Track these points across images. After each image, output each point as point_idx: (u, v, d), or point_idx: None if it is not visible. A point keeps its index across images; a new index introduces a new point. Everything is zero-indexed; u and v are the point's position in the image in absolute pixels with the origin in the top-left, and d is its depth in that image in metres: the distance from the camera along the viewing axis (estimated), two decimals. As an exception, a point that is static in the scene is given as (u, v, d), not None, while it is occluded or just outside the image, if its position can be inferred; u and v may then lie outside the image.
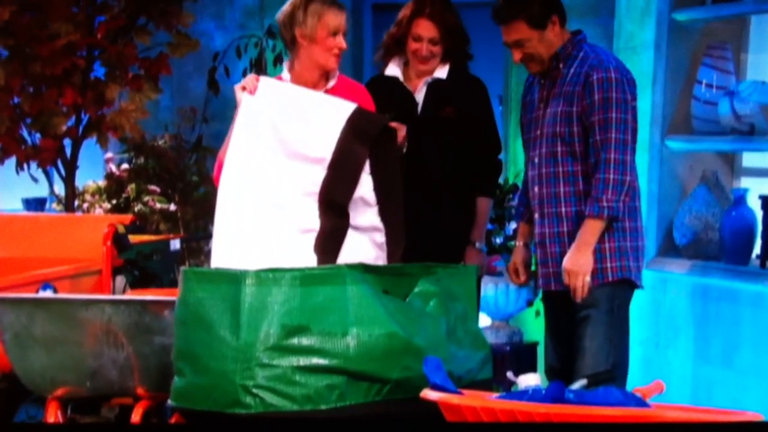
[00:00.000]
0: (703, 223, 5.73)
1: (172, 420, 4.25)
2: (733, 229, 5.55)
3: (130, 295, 5.07)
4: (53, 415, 4.41)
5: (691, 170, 5.99)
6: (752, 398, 5.34)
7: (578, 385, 3.64)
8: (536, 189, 4.57)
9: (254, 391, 3.82)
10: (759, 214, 5.44)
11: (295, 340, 3.86)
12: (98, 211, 7.36)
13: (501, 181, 6.24)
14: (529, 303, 6.46)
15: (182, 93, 8.05)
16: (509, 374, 3.79)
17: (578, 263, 4.38)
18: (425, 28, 4.91)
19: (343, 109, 4.40)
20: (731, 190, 5.81)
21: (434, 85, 4.97)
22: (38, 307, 4.37)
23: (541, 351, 5.30)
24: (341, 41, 4.49)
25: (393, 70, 5.02)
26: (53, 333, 4.33)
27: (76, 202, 7.22)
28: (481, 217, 5.02)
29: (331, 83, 4.57)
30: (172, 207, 7.35)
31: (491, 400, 3.37)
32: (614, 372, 4.35)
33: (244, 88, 4.44)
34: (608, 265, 4.43)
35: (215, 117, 7.70)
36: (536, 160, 4.56)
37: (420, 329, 4.05)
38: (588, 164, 4.43)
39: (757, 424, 3.30)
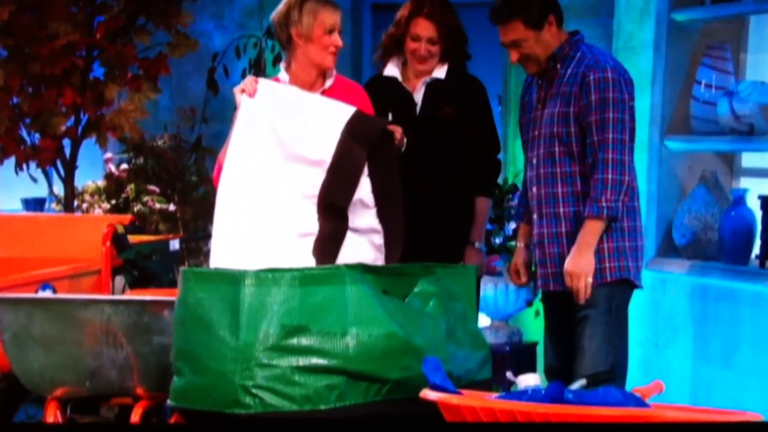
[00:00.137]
0: (702, 224, 5.73)
1: (172, 420, 4.25)
2: (732, 230, 5.55)
3: (130, 296, 5.07)
4: (52, 415, 4.41)
5: (691, 170, 5.99)
6: (751, 398, 5.34)
7: (577, 385, 3.64)
8: (534, 189, 4.57)
9: (254, 391, 3.82)
10: (758, 214, 5.44)
11: (294, 340, 3.86)
12: (97, 211, 7.36)
13: (500, 181, 6.24)
14: (529, 303, 6.46)
15: (181, 93, 8.05)
16: (509, 374, 3.79)
17: (579, 265, 4.38)
18: (424, 28, 4.90)
19: (343, 112, 4.39)
20: (730, 190, 5.81)
21: (433, 85, 4.97)
22: (37, 307, 4.37)
23: (540, 351, 5.30)
24: (337, 39, 4.49)
25: (391, 70, 5.01)
26: (52, 333, 4.33)
27: (76, 203, 7.22)
28: (481, 217, 5.02)
29: (329, 83, 4.56)
30: (172, 207, 7.35)
31: (490, 400, 3.37)
32: (614, 372, 4.35)
33: (243, 91, 4.43)
34: (607, 265, 4.43)
35: (214, 117, 7.70)
36: (534, 160, 4.57)
37: (419, 329, 4.05)
38: (586, 164, 4.43)
39: (756, 424, 3.30)
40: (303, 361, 3.85)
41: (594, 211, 4.37)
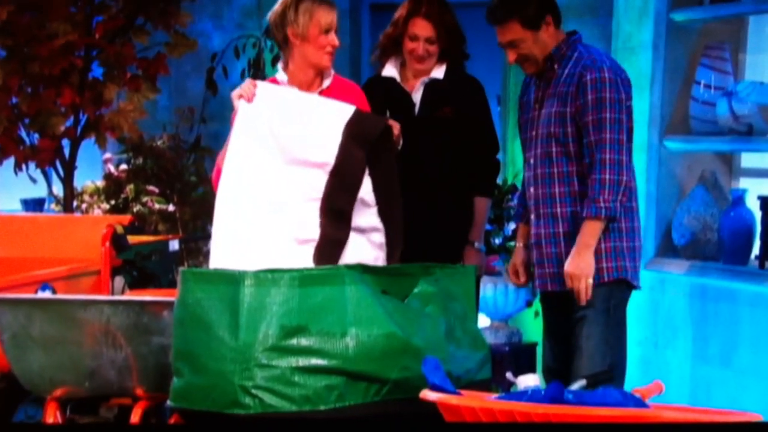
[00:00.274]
0: (701, 224, 5.73)
1: (171, 420, 4.25)
2: (731, 230, 5.55)
3: (129, 296, 5.07)
4: (52, 415, 4.41)
5: (690, 171, 5.99)
6: (751, 398, 5.34)
7: (577, 385, 3.64)
8: (532, 190, 4.57)
9: (253, 391, 3.82)
10: (757, 214, 5.44)
11: (293, 341, 3.86)
12: (97, 211, 7.36)
13: (500, 181, 6.25)
14: (528, 303, 6.47)
15: (180, 93, 8.05)
16: (508, 375, 3.79)
17: (579, 266, 4.38)
18: (422, 28, 4.90)
19: (342, 112, 4.39)
20: (730, 190, 5.81)
21: (431, 85, 4.96)
22: (36, 307, 4.37)
23: (540, 351, 5.29)
24: (334, 39, 4.48)
25: (390, 70, 5.01)
26: (52, 333, 4.33)
27: (75, 203, 7.21)
28: (480, 217, 5.02)
29: (327, 83, 4.56)
30: (171, 207, 7.35)
31: (490, 401, 3.37)
32: (612, 372, 4.35)
33: (240, 96, 4.41)
34: (604, 265, 4.43)
35: (213, 117, 7.70)
36: (532, 160, 4.57)
37: (419, 329, 4.05)
38: (583, 165, 4.43)
39: (756, 424, 3.30)
40: (302, 361, 3.85)
41: (592, 211, 4.37)
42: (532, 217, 4.57)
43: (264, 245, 4.31)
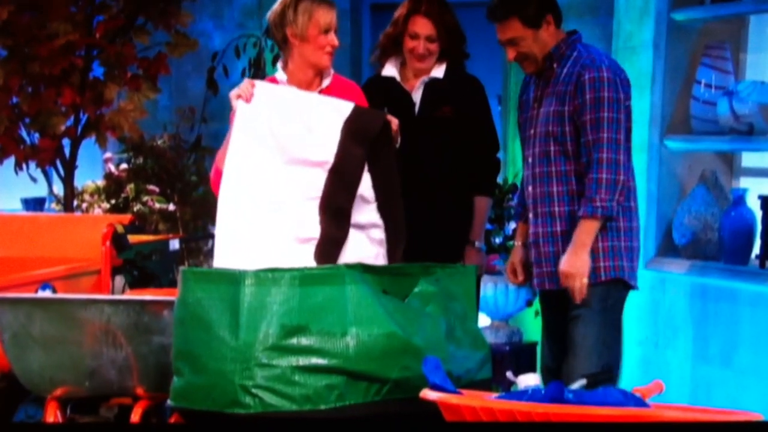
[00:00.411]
0: (702, 223, 5.73)
1: (171, 420, 4.25)
2: (732, 229, 5.55)
3: (129, 295, 5.07)
4: (52, 414, 4.41)
5: (690, 170, 5.98)
6: (751, 398, 5.34)
7: (577, 385, 3.64)
8: (530, 188, 4.57)
9: (253, 391, 3.82)
10: (758, 214, 5.44)
11: (294, 340, 3.85)
12: (97, 211, 7.36)
13: (500, 180, 6.24)
14: (529, 303, 6.46)
15: (181, 93, 8.05)
16: (508, 374, 3.79)
17: (575, 265, 4.38)
18: (422, 26, 4.91)
19: (341, 109, 4.38)
20: (730, 190, 5.80)
21: (431, 85, 4.97)
22: (37, 306, 4.37)
23: (540, 351, 5.29)
24: (333, 39, 4.47)
25: (390, 70, 5.01)
26: (52, 333, 4.33)
27: (75, 202, 7.22)
28: (480, 217, 5.02)
29: (326, 82, 4.55)
30: (171, 207, 7.35)
31: (490, 400, 3.37)
32: (611, 372, 4.35)
33: (239, 96, 4.41)
34: (601, 264, 4.43)
35: (214, 117, 7.70)
36: (530, 159, 4.57)
37: (419, 329, 4.05)
38: (581, 164, 4.43)
39: (756, 424, 3.29)
40: (303, 360, 3.85)
41: (588, 210, 4.37)
42: (530, 216, 4.57)
43: (265, 244, 4.31)
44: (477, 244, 5.00)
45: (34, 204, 7.57)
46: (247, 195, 4.35)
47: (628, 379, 4.62)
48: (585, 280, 4.38)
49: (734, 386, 5.48)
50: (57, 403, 4.42)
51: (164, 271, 5.70)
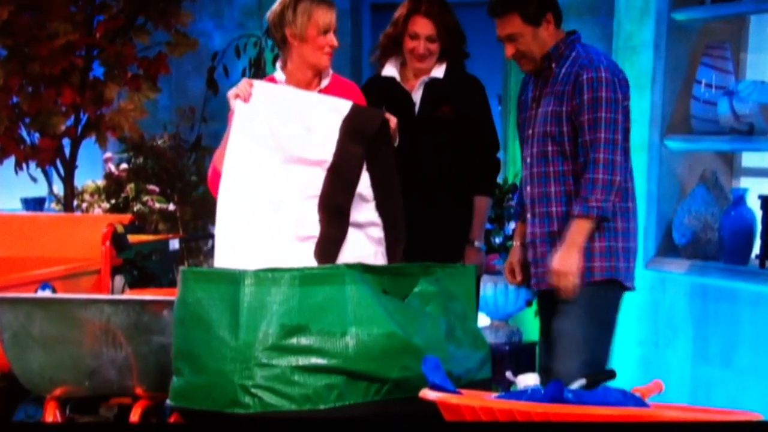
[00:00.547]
0: (702, 223, 5.73)
1: (171, 420, 4.25)
2: (732, 229, 5.55)
3: (129, 295, 5.07)
4: (52, 414, 4.41)
5: (690, 170, 5.98)
6: (751, 398, 5.34)
7: (577, 384, 3.64)
8: (528, 188, 4.57)
9: (253, 390, 3.82)
10: (758, 214, 5.44)
11: (294, 340, 3.85)
12: (97, 210, 7.36)
13: (500, 180, 6.24)
14: (529, 303, 6.46)
15: (181, 93, 8.05)
16: (508, 374, 3.78)
17: (566, 263, 4.37)
18: (422, 26, 4.90)
19: (339, 108, 4.38)
20: (730, 189, 5.80)
21: (431, 85, 4.96)
22: (37, 306, 4.37)
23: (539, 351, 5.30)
24: (332, 39, 4.46)
25: (390, 70, 5.01)
26: (52, 333, 4.33)
27: (75, 202, 7.22)
28: (480, 217, 5.02)
29: (325, 82, 4.55)
30: (171, 207, 7.35)
31: (490, 400, 3.37)
32: (611, 372, 4.34)
33: (237, 96, 4.40)
34: (596, 264, 4.42)
35: (214, 116, 7.70)
36: (528, 159, 4.57)
37: (419, 329, 4.05)
38: (578, 164, 4.43)
39: (756, 424, 3.29)
40: (302, 360, 3.85)
41: (583, 210, 4.36)
42: (529, 216, 4.57)
43: (264, 243, 4.32)
44: (477, 244, 5.00)
45: (34, 204, 7.57)
46: (247, 194, 4.35)
47: (628, 379, 4.62)
48: (575, 279, 4.37)
49: (734, 386, 5.48)
50: (56, 403, 4.42)
51: (164, 271, 5.70)
